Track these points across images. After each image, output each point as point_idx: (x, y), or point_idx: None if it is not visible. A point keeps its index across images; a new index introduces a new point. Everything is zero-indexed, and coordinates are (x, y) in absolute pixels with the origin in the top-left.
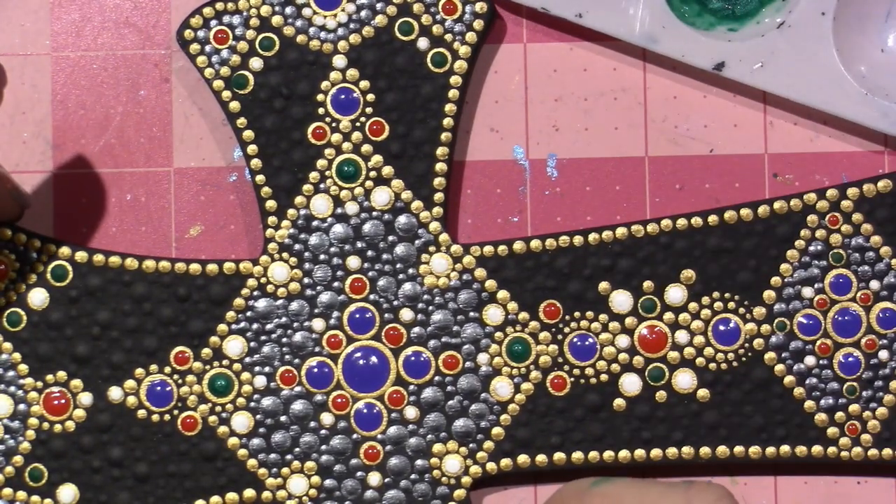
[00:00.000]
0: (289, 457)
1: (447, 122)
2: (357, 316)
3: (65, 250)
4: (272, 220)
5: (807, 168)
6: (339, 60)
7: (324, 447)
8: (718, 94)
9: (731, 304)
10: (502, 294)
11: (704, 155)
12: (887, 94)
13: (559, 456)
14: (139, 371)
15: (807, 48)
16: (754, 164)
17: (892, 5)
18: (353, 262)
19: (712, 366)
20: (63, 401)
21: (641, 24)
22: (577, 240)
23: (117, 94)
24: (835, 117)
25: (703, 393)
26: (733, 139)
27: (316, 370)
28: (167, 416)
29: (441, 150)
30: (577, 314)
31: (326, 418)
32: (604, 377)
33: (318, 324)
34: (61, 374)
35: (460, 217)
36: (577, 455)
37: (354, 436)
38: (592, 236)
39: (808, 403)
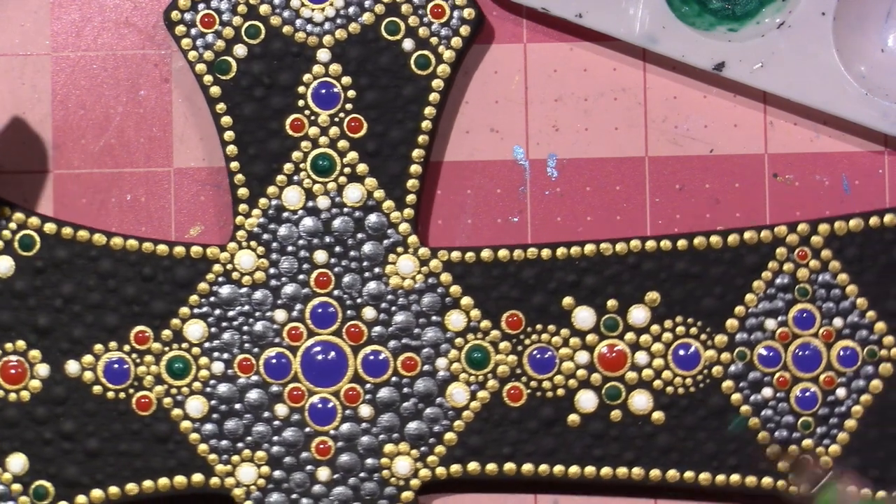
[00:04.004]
0: (240, 445)
1: (425, 124)
2: (319, 310)
3: (34, 220)
4: (243, 207)
5: (807, 168)
6: (323, 54)
7: (276, 438)
8: (718, 94)
9: (694, 330)
10: (466, 300)
11: (704, 155)
12: (887, 94)
13: (509, 466)
14: (98, 347)
15: (807, 48)
16: (754, 164)
17: (892, 5)
18: (321, 256)
19: (669, 389)
20: (20, 370)
21: (641, 24)
22: (545, 253)
23: (117, 94)
24: (835, 117)
25: (658, 415)
26: (733, 139)
27: (274, 361)
28: (122, 395)
29: (417, 152)
30: (538, 327)
31: (281, 409)
32: (560, 392)
33: (280, 315)
34: (20, 344)
35: (460, 217)
36: (528, 467)
37: (307, 429)
38: (560, 251)
39: (762, 434)
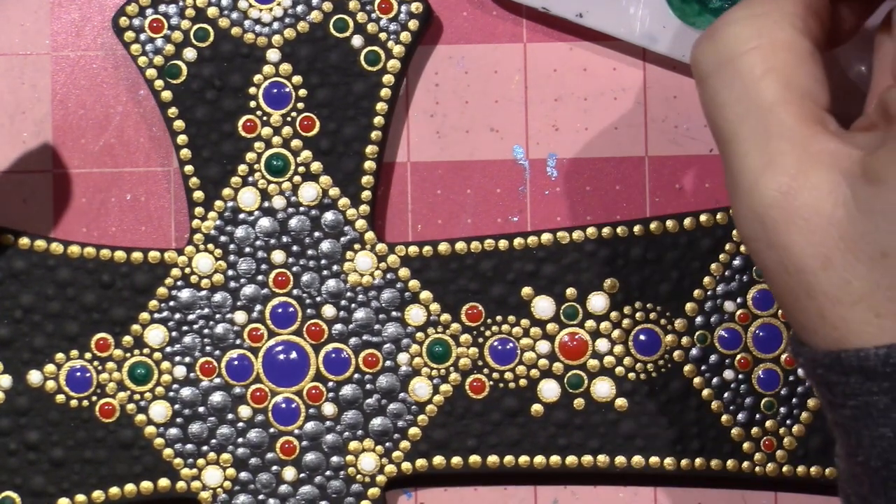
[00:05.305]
0: (205, 448)
1: (378, 120)
2: (279, 310)
3: None
4: (199, 210)
5: None
6: (273, 54)
7: (240, 440)
8: None
9: (653, 315)
10: (425, 295)
11: (704, 155)
12: None
13: (474, 459)
14: (60, 356)
15: None
16: None
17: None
18: (278, 256)
19: (631, 375)
20: None
21: (641, 24)
22: (503, 244)
23: (117, 94)
24: None
25: (620, 402)
26: None
27: (236, 362)
28: (85, 402)
29: (371, 149)
30: (498, 318)
31: (244, 411)
32: (523, 382)
33: (240, 316)
34: None
35: (460, 217)
36: (493, 459)
37: (271, 430)
38: (518, 241)
39: (725, 417)
